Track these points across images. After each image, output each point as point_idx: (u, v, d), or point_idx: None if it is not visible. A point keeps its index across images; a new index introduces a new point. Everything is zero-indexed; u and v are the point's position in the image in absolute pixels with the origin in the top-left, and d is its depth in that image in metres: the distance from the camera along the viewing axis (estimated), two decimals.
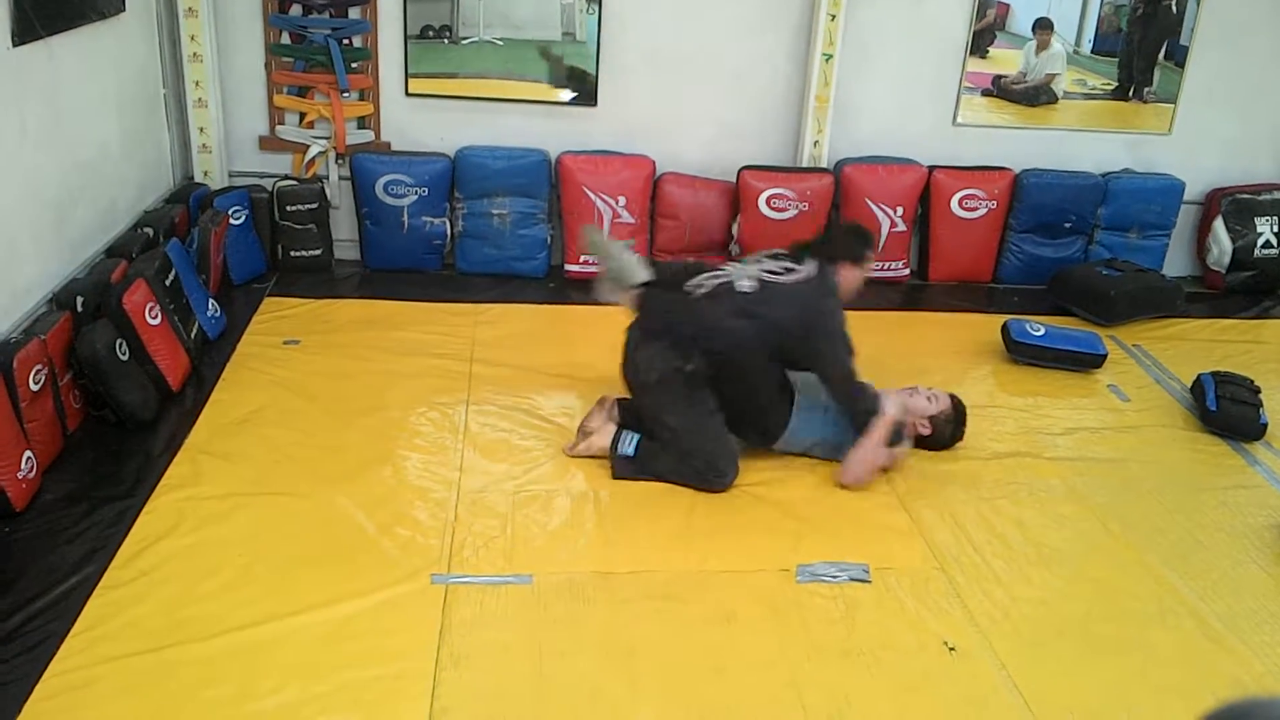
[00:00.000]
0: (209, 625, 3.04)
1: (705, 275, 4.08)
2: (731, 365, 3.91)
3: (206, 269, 4.95)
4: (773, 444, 4.13)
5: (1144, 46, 6.22)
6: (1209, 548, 3.83)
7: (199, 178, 5.65)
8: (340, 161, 5.80)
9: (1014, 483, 4.15)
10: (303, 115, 5.73)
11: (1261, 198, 6.44)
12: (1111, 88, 6.30)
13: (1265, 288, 6.42)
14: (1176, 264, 6.57)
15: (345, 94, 5.68)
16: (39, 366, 3.64)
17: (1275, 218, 6.42)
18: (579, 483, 3.93)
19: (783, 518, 3.80)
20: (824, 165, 6.00)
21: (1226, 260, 6.40)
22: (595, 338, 5.09)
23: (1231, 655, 3.27)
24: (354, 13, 5.57)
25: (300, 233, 5.69)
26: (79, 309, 4.11)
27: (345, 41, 5.60)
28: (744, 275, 4.04)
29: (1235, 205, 6.41)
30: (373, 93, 5.74)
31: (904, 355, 5.12)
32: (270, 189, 5.66)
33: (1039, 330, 5.19)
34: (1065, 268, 6.08)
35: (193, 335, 4.57)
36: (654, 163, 5.85)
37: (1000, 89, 6.22)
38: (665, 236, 5.87)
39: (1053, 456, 4.38)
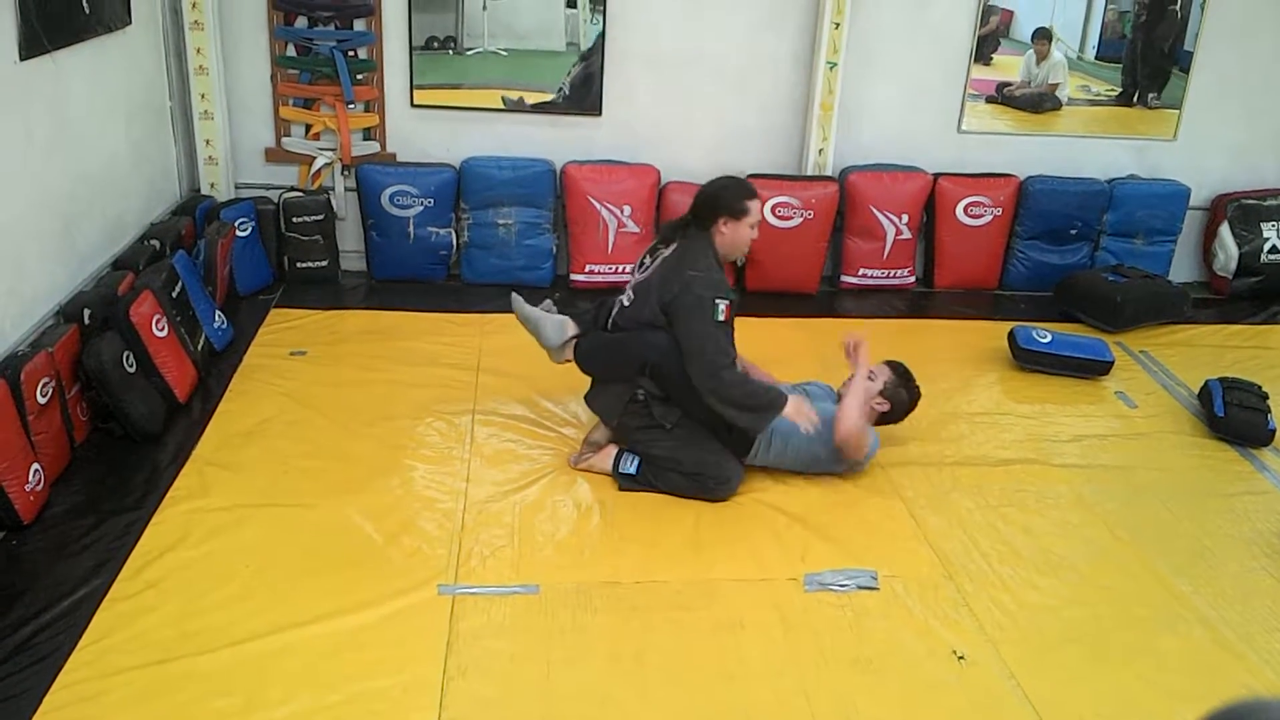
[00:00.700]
0: (217, 636, 3.05)
1: (612, 304, 4.06)
2: (666, 378, 3.82)
3: (213, 281, 4.96)
4: (746, 456, 3.98)
5: (1147, 52, 6.22)
6: (1218, 554, 3.82)
7: (205, 190, 5.66)
8: (346, 173, 5.82)
9: (1022, 490, 4.14)
10: (308, 127, 5.75)
11: (1267, 203, 6.42)
12: (1116, 93, 6.30)
13: (1272, 293, 6.41)
14: (1183, 270, 6.56)
15: (351, 105, 5.70)
16: (46, 379, 3.65)
17: None
18: (586, 492, 3.93)
19: (790, 526, 3.79)
20: (829, 173, 6.00)
21: (1233, 266, 6.39)
22: None
23: (1241, 662, 3.26)
24: (359, 24, 5.60)
25: (306, 244, 5.70)
26: (86, 321, 4.12)
27: (350, 53, 5.62)
28: (626, 290, 4.00)
29: (1241, 210, 6.40)
30: (378, 104, 5.76)
31: (910, 362, 5.06)
32: (276, 200, 5.68)
33: (1045, 337, 5.18)
34: (1071, 274, 6.07)
35: (199, 347, 4.58)
36: (659, 172, 5.86)
37: (1004, 96, 6.22)
38: None
39: (1060, 464, 4.37)
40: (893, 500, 4.01)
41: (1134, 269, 5.99)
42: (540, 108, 5.85)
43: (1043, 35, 6.14)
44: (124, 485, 3.78)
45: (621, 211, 5.76)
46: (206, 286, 4.87)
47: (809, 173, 5.98)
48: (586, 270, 5.85)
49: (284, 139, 5.77)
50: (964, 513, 3.96)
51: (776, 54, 5.91)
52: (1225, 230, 6.40)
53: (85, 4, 4.40)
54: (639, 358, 3.84)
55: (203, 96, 5.51)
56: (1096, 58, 6.25)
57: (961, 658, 3.19)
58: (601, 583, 3.41)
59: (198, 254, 4.95)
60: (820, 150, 5.97)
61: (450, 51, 5.72)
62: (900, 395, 4.24)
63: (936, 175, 6.08)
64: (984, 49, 6.08)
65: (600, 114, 5.89)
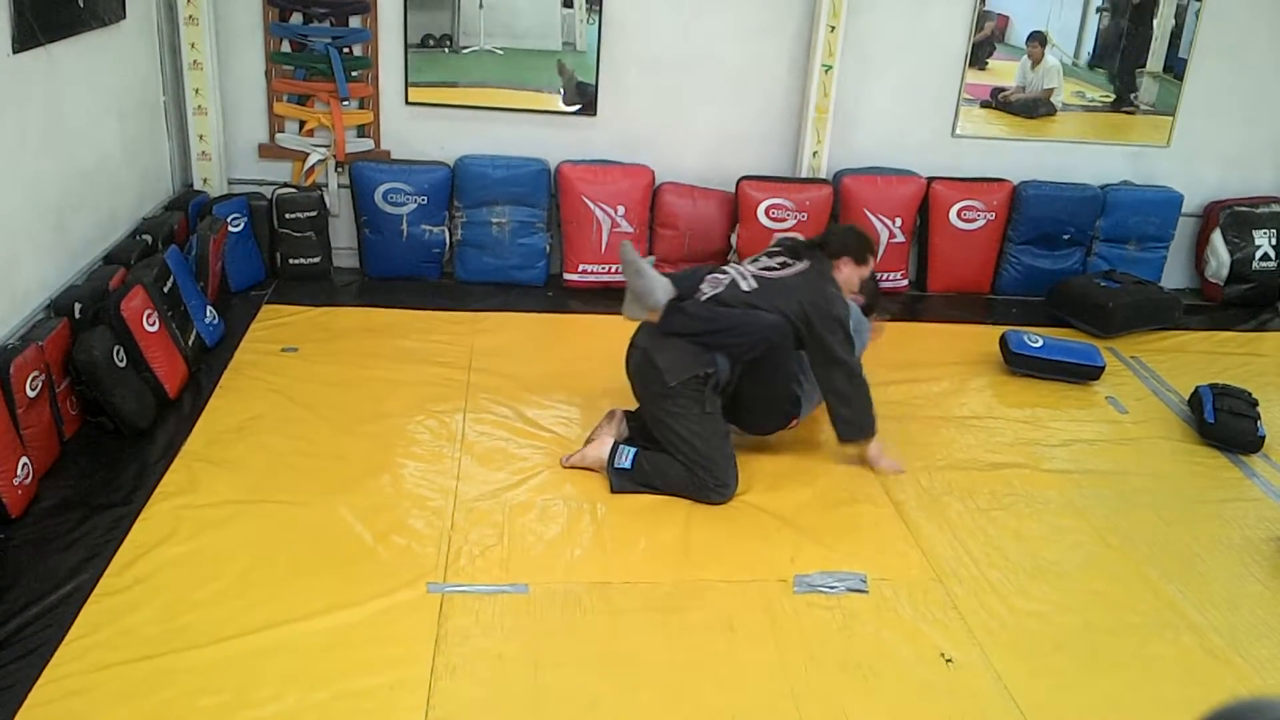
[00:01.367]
0: (205, 633, 3.04)
1: (709, 279, 4.12)
2: (767, 360, 3.96)
3: (205, 276, 4.94)
4: (792, 423, 4.22)
5: (1124, 57, 6.23)
6: (1207, 560, 3.82)
7: (198, 185, 5.65)
8: (340, 170, 5.81)
9: (1012, 494, 4.15)
10: (302, 123, 5.74)
11: (1260, 210, 6.45)
12: (1110, 99, 6.32)
13: (1263, 300, 6.43)
14: (1175, 276, 6.58)
15: (345, 102, 5.69)
16: (36, 373, 3.64)
17: (1273, 230, 6.43)
18: (576, 492, 3.92)
19: (780, 528, 3.79)
20: (823, 176, 6.01)
21: (1225, 273, 6.41)
22: (594, 347, 5.11)
23: (1230, 669, 3.27)
24: (355, 21, 5.59)
25: (299, 240, 5.69)
26: (77, 315, 4.11)
27: (346, 50, 5.61)
28: (744, 274, 4.10)
29: (1233, 218, 6.42)
30: (373, 101, 5.75)
31: (902, 366, 5.11)
32: (270, 197, 5.67)
33: (1037, 342, 5.19)
34: (1064, 279, 6.09)
35: (190, 342, 4.57)
36: (653, 172, 5.85)
37: (999, 101, 6.23)
38: (664, 246, 5.87)
39: (1050, 468, 4.37)
40: (883, 503, 4.01)
41: (1126, 275, 6.01)
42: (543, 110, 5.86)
43: (1037, 39, 6.15)
44: (113, 480, 3.77)
45: (615, 212, 5.76)
46: (198, 282, 4.86)
47: (803, 175, 5.99)
48: (580, 270, 5.84)
49: (278, 135, 5.75)
50: (954, 516, 3.97)
51: (772, 57, 5.91)
52: (1217, 237, 6.42)
53: None
54: (762, 334, 3.93)
55: (197, 92, 5.50)
56: (1090, 64, 6.26)
57: (950, 661, 3.19)
58: (591, 583, 3.41)
59: (190, 249, 4.94)
60: (815, 153, 5.97)
61: (446, 50, 5.71)
62: (869, 286, 4.46)
63: (930, 179, 6.09)
64: (979, 54, 6.09)
65: (595, 114, 5.89)
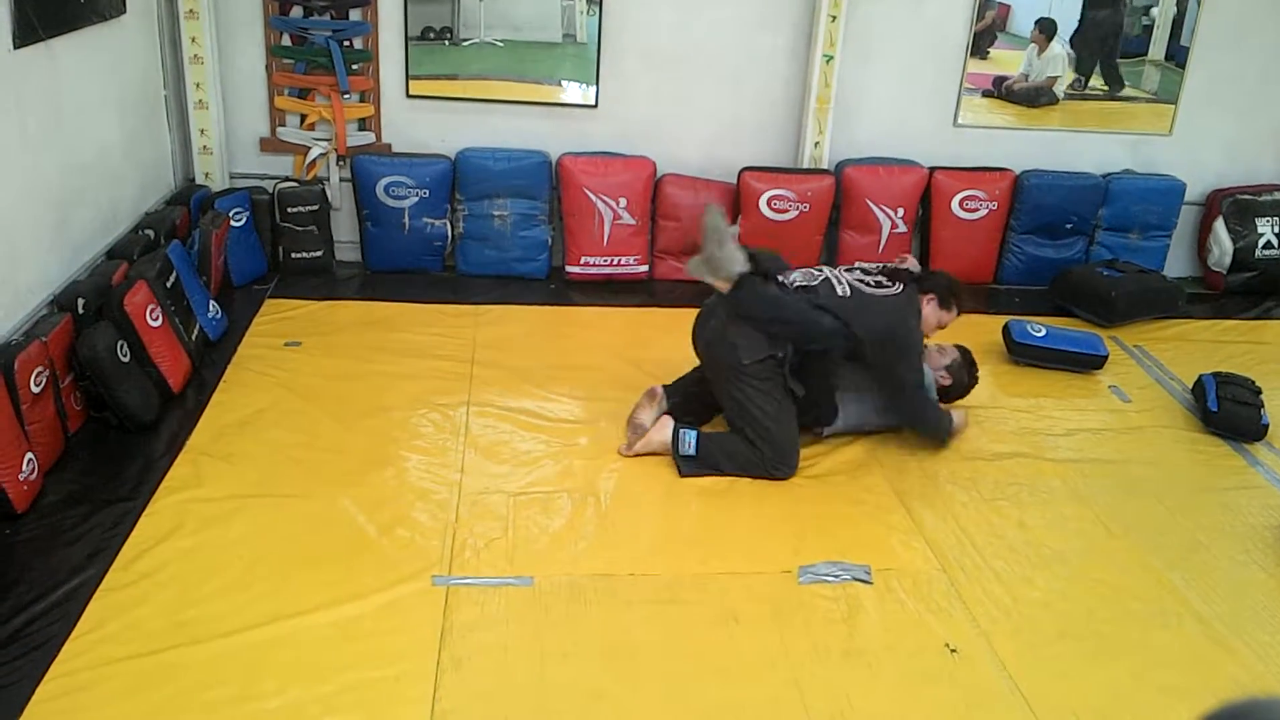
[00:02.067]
0: (210, 627, 3.04)
1: (801, 272, 4.20)
2: (814, 358, 4.02)
3: (207, 271, 4.95)
4: (824, 429, 4.29)
5: (1092, 43, 6.22)
6: (1211, 549, 3.83)
7: (200, 179, 5.65)
8: (341, 163, 5.80)
9: (1015, 484, 4.15)
10: (303, 117, 5.73)
11: (1262, 198, 6.43)
12: (1105, 90, 6.30)
13: (1266, 288, 6.41)
14: (1177, 265, 6.57)
15: (346, 96, 5.69)
16: (40, 368, 3.64)
17: (1276, 218, 6.42)
18: (580, 485, 3.92)
19: (784, 519, 3.79)
20: (825, 166, 6.00)
21: (1227, 261, 6.40)
22: (596, 339, 5.11)
23: (1233, 656, 3.27)
24: (355, 14, 5.58)
25: (301, 234, 5.69)
26: (80, 311, 4.11)
27: (346, 43, 5.61)
28: (840, 280, 4.15)
29: (1236, 206, 6.41)
30: (373, 94, 5.74)
31: None
32: (271, 191, 5.66)
33: (1040, 331, 5.19)
34: (1066, 269, 6.08)
35: (194, 337, 4.57)
36: (654, 164, 5.85)
37: (1002, 90, 6.22)
38: (666, 238, 5.87)
39: (1054, 458, 4.37)
40: (886, 493, 4.02)
41: (1129, 264, 6.00)
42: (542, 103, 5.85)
43: (1043, 27, 6.13)
44: (118, 475, 3.77)
45: (617, 204, 5.75)
46: (201, 276, 4.86)
47: (805, 166, 5.98)
48: (582, 262, 5.84)
49: (279, 129, 5.75)
50: (958, 506, 3.97)
51: (773, 47, 5.90)
52: (1220, 225, 6.41)
53: None
54: (818, 336, 4.00)
55: (198, 86, 5.49)
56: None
57: (954, 651, 3.19)
58: (595, 575, 3.41)
59: (192, 244, 4.94)
60: (816, 144, 5.96)
61: (446, 42, 5.70)
62: (962, 376, 4.53)
63: (932, 169, 6.08)
64: (981, 43, 6.08)
65: (596, 106, 5.88)
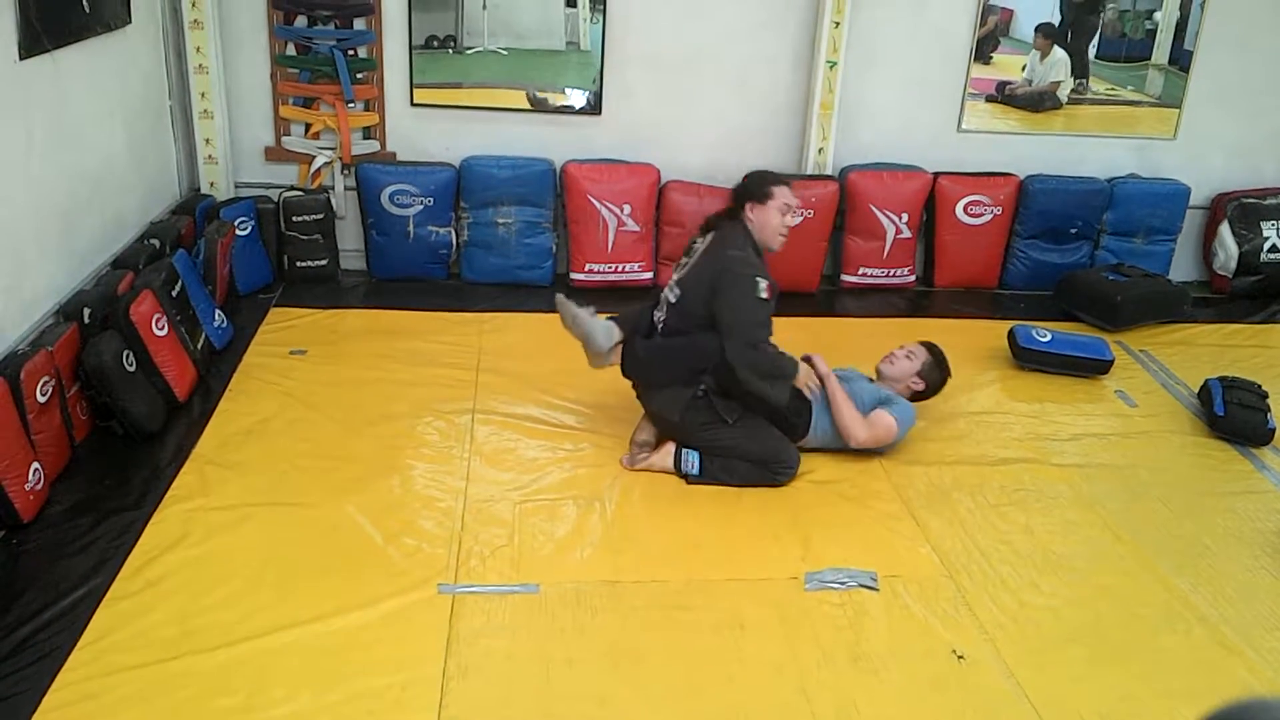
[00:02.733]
0: (217, 635, 3.05)
1: (656, 306, 4.16)
2: (729, 378, 3.92)
3: (213, 280, 4.96)
4: (800, 439, 4.17)
5: (1074, 43, 6.21)
6: (1218, 553, 3.82)
7: (205, 189, 5.66)
8: (346, 172, 5.82)
9: (1021, 489, 4.15)
10: (308, 126, 5.75)
11: (1267, 202, 6.42)
12: (1115, 93, 6.30)
13: (1272, 292, 6.41)
14: (1183, 269, 6.56)
15: (350, 104, 5.70)
16: (46, 378, 3.65)
17: None
18: (585, 492, 3.92)
19: (790, 526, 3.79)
20: (829, 172, 6.00)
21: (1233, 264, 6.39)
22: None
23: (1242, 661, 3.26)
24: (359, 23, 5.59)
25: (306, 243, 5.70)
26: (86, 320, 4.12)
27: (350, 52, 5.62)
28: (671, 285, 4.09)
29: (1241, 209, 6.40)
30: (378, 103, 5.75)
31: None
32: (276, 200, 5.68)
33: (1045, 336, 5.18)
34: (1071, 273, 6.08)
35: (199, 346, 4.58)
36: (659, 170, 5.85)
37: (1005, 95, 6.22)
38: (671, 244, 5.87)
39: (1060, 463, 4.37)
40: (893, 499, 4.01)
41: (1134, 268, 5.99)
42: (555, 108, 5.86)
43: (1044, 31, 6.13)
44: (124, 484, 3.78)
45: (621, 210, 5.76)
46: (206, 285, 4.87)
47: (809, 172, 5.98)
48: (586, 269, 5.85)
49: (284, 138, 5.77)
50: (964, 512, 3.96)
51: (777, 53, 5.91)
52: (1225, 229, 6.40)
53: (85, 3, 4.40)
54: (700, 364, 3.91)
55: (202, 95, 5.51)
56: (1097, 57, 6.24)
57: (961, 657, 3.19)
58: (601, 582, 3.41)
59: (197, 253, 4.95)
60: (820, 149, 5.97)
61: (450, 50, 5.72)
62: (935, 376, 4.45)
63: (936, 174, 6.08)
64: (984, 48, 6.08)
65: (600, 113, 5.89)
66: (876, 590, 3.46)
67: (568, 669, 3.03)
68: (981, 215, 6.12)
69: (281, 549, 3.47)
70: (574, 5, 5.70)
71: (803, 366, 4.09)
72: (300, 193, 5.73)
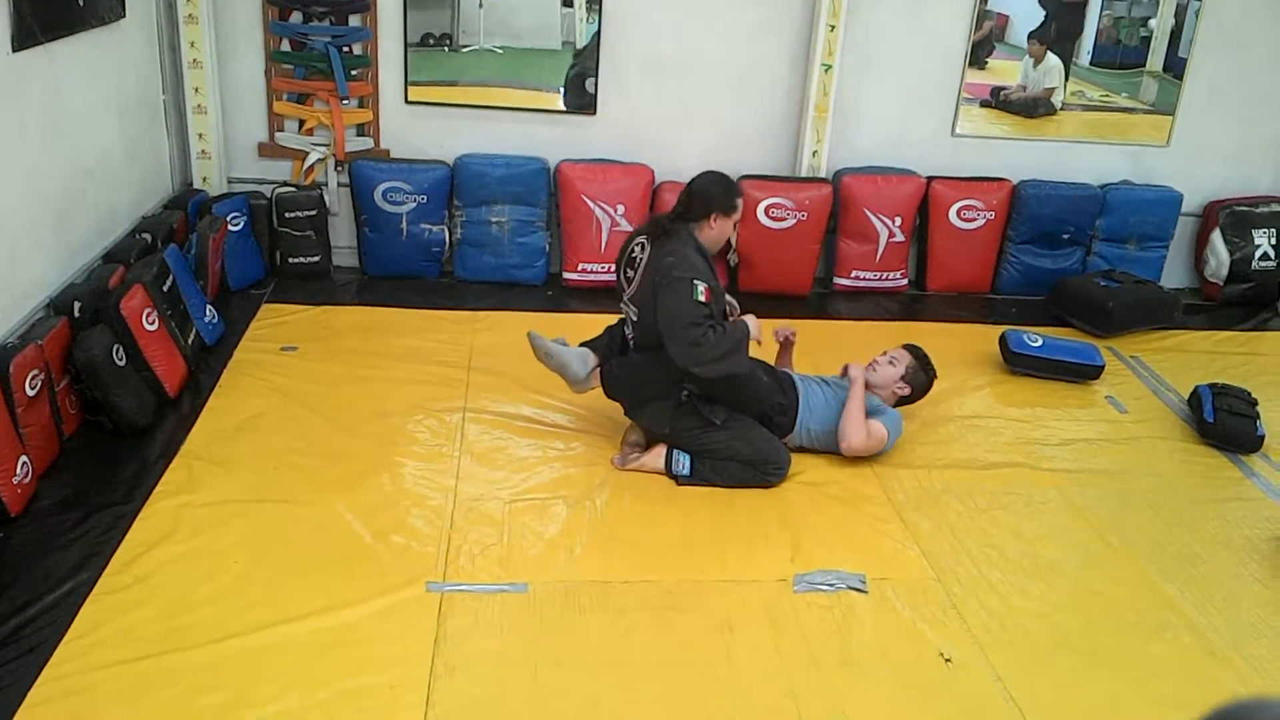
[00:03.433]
0: (205, 632, 3.04)
1: (625, 323, 4.17)
2: (706, 384, 3.92)
3: (205, 275, 4.94)
4: (785, 435, 4.17)
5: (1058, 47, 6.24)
6: (1207, 560, 3.82)
7: (198, 184, 5.65)
8: (339, 168, 5.81)
9: (1011, 494, 4.15)
10: (302, 122, 5.74)
11: (1259, 210, 6.44)
12: (1110, 100, 6.32)
13: (1263, 300, 6.43)
14: (1174, 275, 6.58)
15: (345, 101, 5.69)
16: (36, 371, 3.64)
17: (1273, 230, 6.43)
18: (575, 492, 3.92)
19: (780, 528, 3.79)
20: (823, 175, 6.01)
21: (1224, 272, 6.41)
22: None
23: (1229, 668, 3.27)
24: (354, 20, 5.58)
25: (299, 239, 5.68)
26: (76, 314, 4.11)
27: (345, 49, 5.61)
28: (629, 301, 4.05)
29: (1233, 217, 6.42)
30: (372, 100, 5.74)
31: None
32: (269, 195, 5.66)
33: (1037, 341, 5.19)
34: (1063, 279, 6.09)
35: (190, 341, 4.57)
36: (653, 171, 5.85)
37: (999, 100, 6.23)
38: None
39: (1050, 468, 4.37)
40: (883, 502, 4.01)
41: (1126, 274, 6.01)
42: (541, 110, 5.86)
43: (1038, 37, 6.14)
44: (112, 479, 3.77)
45: (615, 210, 5.76)
46: (198, 281, 4.86)
47: (803, 174, 5.99)
48: (579, 269, 5.85)
49: (277, 134, 5.75)
50: (954, 516, 3.97)
51: (772, 56, 5.91)
52: (1217, 237, 6.42)
53: None
54: (675, 376, 3.89)
55: (196, 90, 5.49)
56: (1091, 63, 6.26)
57: (949, 660, 3.19)
58: (590, 582, 3.41)
59: (189, 248, 4.94)
60: (814, 152, 5.97)
61: (445, 49, 5.71)
62: (920, 379, 4.43)
63: (930, 178, 6.09)
64: (979, 53, 6.09)
65: (595, 113, 5.88)
66: (865, 593, 3.46)
67: (556, 669, 3.02)
68: (975, 220, 6.13)
69: (270, 546, 3.46)
70: (570, 4, 5.70)
71: (753, 321, 3.95)
72: (293, 189, 5.71)
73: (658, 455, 4.05)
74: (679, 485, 4.01)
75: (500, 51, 5.74)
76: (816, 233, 5.91)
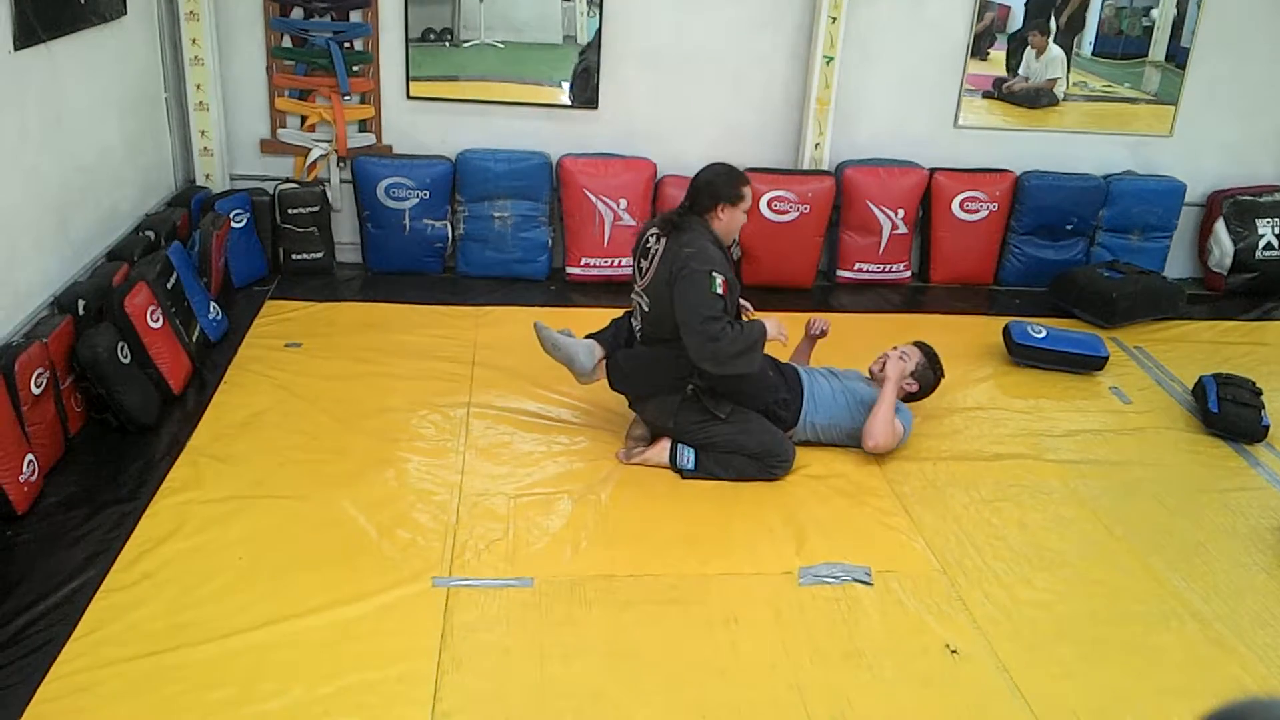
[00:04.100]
0: (211, 628, 3.04)
1: (633, 314, 4.16)
2: (713, 379, 3.93)
3: (208, 272, 4.95)
4: (788, 429, 4.17)
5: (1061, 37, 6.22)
6: (1211, 550, 3.82)
7: (200, 181, 5.65)
8: (341, 165, 5.81)
9: (1015, 485, 4.15)
10: (304, 118, 5.74)
11: (1263, 199, 6.43)
12: (1111, 90, 6.31)
13: (1266, 289, 6.42)
14: (1178, 266, 6.57)
15: (346, 97, 5.69)
16: (40, 370, 3.64)
17: (1277, 219, 6.42)
18: (580, 486, 3.92)
19: (785, 521, 3.79)
20: (825, 167, 6.00)
21: (1228, 262, 6.40)
22: None
23: (1234, 658, 3.27)
24: (355, 16, 5.58)
25: (302, 236, 5.69)
26: (81, 312, 4.12)
27: (346, 45, 5.61)
28: (641, 294, 4.04)
29: (1236, 207, 6.41)
30: (374, 96, 5.74)
31: None
32: (272, 192, 5.67)
33: (1040, 332, 5.18)
34: (1067, 270, 6.08)
35: (194, 338, 4.58)
36: (655, 165, 5.85)
37: (1001, 91, 6.22)
38: None
39: (1054, 459, 4.37)
40: (887, 495, 4.01)
41: (1129, 265, 6.00)
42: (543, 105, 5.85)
43: (1039, 29, 6.13)
44: (118, 476, 3.78)
45: (618, 205, 5.76)
46: (201, 278, 4.86)
47: (805, 167, 5.98)
48: (582, 263, 5.85)
49: (279, 131, 5.75)
50: (958, 508, 3.97)
51: (774, 48, 5.90)
52: (1221, 227, 6.41)
53: None
54: (681, 371, 3.90)
55: (198, 87, 5.50)
56: (1094, 54, 6.24)
57: (955, 652, 3.19)
58: (596, 576, 3.41)
59: (193, 245, 4.94)
60: (817, 145, 5.97)
61: (447, 44, 5.71)
62: (929, 376, 4.44)
63: (933, 170, 6.08)
64: (980, 44, 6.08)
65: (597, 107, 5.88)
66: (870, 585, 3.47)
67: (562, 663, 3.03)
68: (977, 211, 6.12)
69: (276, 542, 3.46)
70: None
71: (771, 322, 3.97)
72: (296, 185, 5.72)
73: (662, 449, 4.06)
74: (684, 479, 4.01)
75: (501, 46, 5.74)
76: (819, 225, 5.90)
